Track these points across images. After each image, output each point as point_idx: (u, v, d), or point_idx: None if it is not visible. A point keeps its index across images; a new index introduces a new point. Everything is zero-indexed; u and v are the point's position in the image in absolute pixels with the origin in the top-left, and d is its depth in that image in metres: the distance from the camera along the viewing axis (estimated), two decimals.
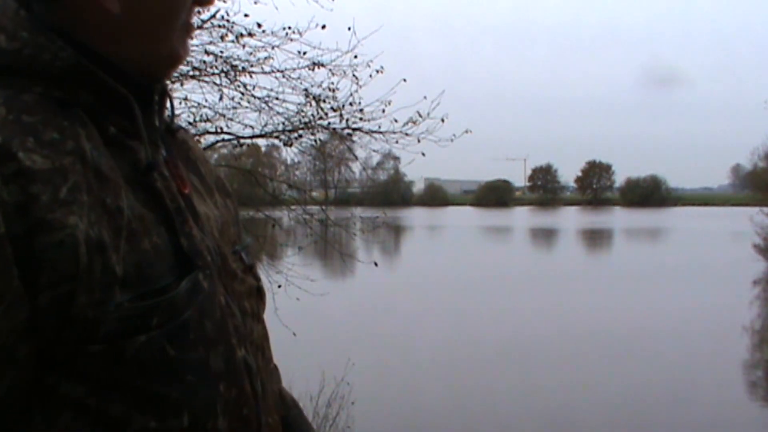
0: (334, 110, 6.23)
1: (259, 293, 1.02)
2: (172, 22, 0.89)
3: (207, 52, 6.01)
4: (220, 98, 6.21)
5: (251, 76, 6.15)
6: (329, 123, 6.38)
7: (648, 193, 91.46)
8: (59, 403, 0.78)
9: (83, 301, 0.76)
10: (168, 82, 1.03)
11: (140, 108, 0.89)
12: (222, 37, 5.88)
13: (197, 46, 6.05)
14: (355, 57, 5.91)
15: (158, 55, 0.90)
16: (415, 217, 62.38)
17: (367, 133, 6.38)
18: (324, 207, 7.68)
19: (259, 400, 0.93)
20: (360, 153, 7.78)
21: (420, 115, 6.13)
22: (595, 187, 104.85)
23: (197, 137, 6.54)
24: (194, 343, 0.84)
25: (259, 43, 5.92)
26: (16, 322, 0.73)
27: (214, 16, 5.77)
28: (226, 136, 6.54)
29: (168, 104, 0.97)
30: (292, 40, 5.84)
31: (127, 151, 0.86)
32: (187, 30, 0.93)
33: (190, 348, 0.83)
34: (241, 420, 0.89)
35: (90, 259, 0.76)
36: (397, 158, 70.28)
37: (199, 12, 5.92)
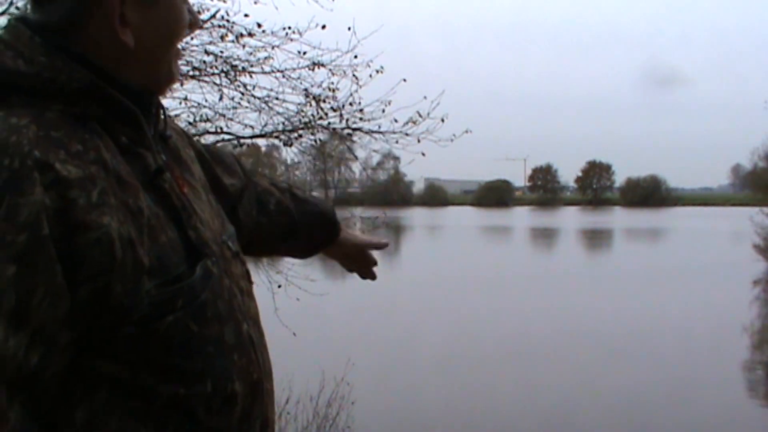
0: (334, 110, 6.23)
1: (248, 275, 1.16)
2: (171, 49, 1.04)
3: (207, 52, 6.00)
4: (220, 98, 6.20)
5: (251, 76, 6.14)
6: (329, 123, 6.37)
7: (648, 193, 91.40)
8: (97, 380, 0.91)
9: (119, 291, 0.89)
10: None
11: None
12: (222, 37, 5.87)
13: (197, 46, 6.05)
14: (355, 57, 5.91)
15: (159, 76, 1.04)
16: (415, 217, 62.36)
17: (367, 133, 6.37)
18: None
19: (261, 366, 1.07)
20: (360, 153, 7.79)
21: (420, 115, 6.12)
22: (595, 187, 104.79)
23: (197, 137, 6.54)
24: (211, 320, 0.98)
25: (259, 43, 5.92)
26: (59, 312, 0.85)
27: (214, 16, 5.77)
28: (226, 136, 6.53)
29: (162, 115, 1.10)
30: (292, 40, 5.84)
31: (138, 158, 0.99)
32: (178, 54, 1.07)
33: (208, 324, 0.98)
34: (251, 384, 1.04)
35: (124, 253, 0.89)
36: (397, 158, 70.32)
37: (194, 12, 5.92)
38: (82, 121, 0.93)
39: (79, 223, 0.85)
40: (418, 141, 6.23)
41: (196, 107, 6.31)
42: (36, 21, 0.96)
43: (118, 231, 0.88)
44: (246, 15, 5.76)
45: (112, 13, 0.96)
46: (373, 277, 1.65)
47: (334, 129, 6.51)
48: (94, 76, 0.95)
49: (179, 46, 1.07)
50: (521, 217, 68.18)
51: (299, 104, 6.30)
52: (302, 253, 1.58)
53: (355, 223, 8.95)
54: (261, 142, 7.33)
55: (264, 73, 6.12)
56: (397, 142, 6.31)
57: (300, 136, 6.54)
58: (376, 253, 1.65)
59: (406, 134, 6.24)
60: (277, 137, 6.54)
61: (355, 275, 1.67)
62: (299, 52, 5.91)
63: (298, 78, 6.11)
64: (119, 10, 0.96)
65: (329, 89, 6.16)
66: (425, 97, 6.08)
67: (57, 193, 0.85)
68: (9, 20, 0.99)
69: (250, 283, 1.15)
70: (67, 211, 0.85)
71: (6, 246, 0.82)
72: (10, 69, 0.92)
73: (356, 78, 6.02)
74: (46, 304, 0.83)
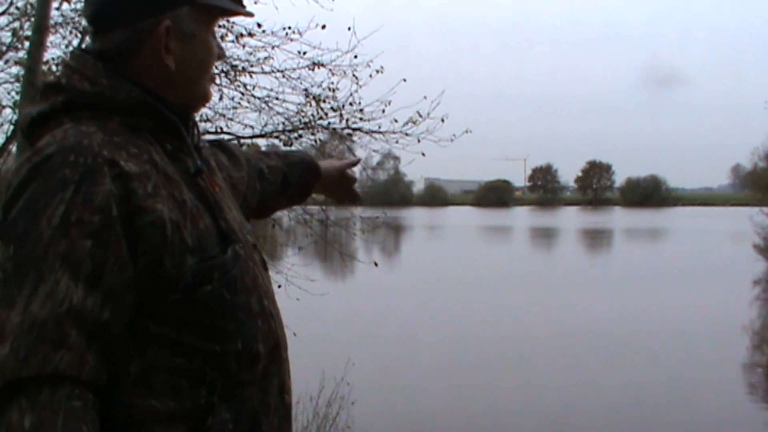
0: (334, 110, 6.22)
1: (264, 263, 1.36)
2: (206, 73, 1.28)
3: None
4: (220, 98, 6.20)
5: (251, 76, 6.15)
6: (329, 123, 6.37)
7: (648, 193, 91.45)
8: (148, 339, 1.11)
9: (168, 263, 1.11)
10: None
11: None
12: (222, 37, 5.87)
13: None
14: (355, 57, 5.90)
15: (195, 96, 1.28)
16: (415, 217, 62.38)
17: (367, 133, 6.36)
18: (324, 207, 7.66)
19: (279, 336, 1.29)
20: (360, 153, 7.76)
21: (420, 115, 6.11)
22: (595, 187, 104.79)
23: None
24: (240, 290, 1.19)
25: (259, 43, 5.93)
26: (125, 277, 1.07)
27: None
28: (226, 136, 6.53)
29: (196, 129, 1.32)
30: (292, 40, 5.84)
31: (180, 162, 1.21)
32: (212, 79, 1.32)
33: (239, 294, 1.19)
34: (271, 348, 1.24)
35: (173, 233, 1.11)
36: (397, 158, 70.15)
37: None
38: (136, 131, 1.17)
39: (139, 207, 1.08)
40: (418, 141, 6.22)
41: None
42: (94, 49, 1.21)
43: (168, 216, 1.11)
44: None
45: (159, 43, 1.19)
46: (357, 196, 1.94)
47: (334, 129, 6.50)
48: (147, 94, 1.18)
49: (212, 72, 1.31)
50: (521, 217, 68.19)
51: (299, 104, 6.30)
52: (298, 198, 1.85)
53: (355, 222, 8.95)
54: (261, 142, 7.31)
55: (264, 73, 6.12)
56: (397, 142, 6.30)
57: (300, 136, 6.53)
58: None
59: (406, 134, 6.23)
60: (277, 137, 6.53)
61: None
62: (299, 52, 5.91)
63: (298, 78, 6.11)
64: (165, 41, 1.20)
65: (329, 89, 6.15)
66: (425, 97, 6.06)
67: (122, 184, 1.08)
68: (73, 50, 1.27)
69: (266, 270, 1.37)
70: (130, 198, 1.08)
71: (84, 224, 1.04)
72: (78, 89, 1.17)
73: (356, 78, 6.01)
74: (116, 271, 1.06)
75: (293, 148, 6.53)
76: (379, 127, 6.26)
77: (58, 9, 5.77)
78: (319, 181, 1.80)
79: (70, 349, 1.01)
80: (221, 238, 1.20)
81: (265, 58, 6.00)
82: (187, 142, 1.24)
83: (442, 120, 6.11)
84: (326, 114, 6.26)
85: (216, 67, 6.53)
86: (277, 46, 5.90)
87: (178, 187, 1.16)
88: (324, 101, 6.20)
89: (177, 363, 1.12)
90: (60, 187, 1.05)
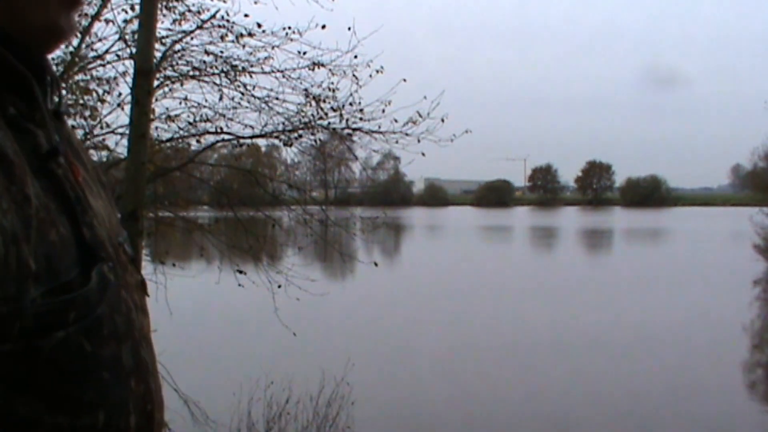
0: (334, 110, 6.23)
1: (142, 286, 0.96)
2: None
3: (207, 52, 6.02)
4: (220, 98, 6.22)
5: (251, 76, 6.16)
6: (329, 123, 6.38)
7: (648, 193, 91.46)
8: None
9: None
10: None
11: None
12: (222, 37, 5.89)
13: (197, 46, 6.06)
14: (355, 57, 5.92)
15: (37, 26, 0.80)
16: (415, 217, 62.34)
17: (367, 133, 6.37)
18: (324, 207, 7.66)
19: (154, 395, 0.88)
20: (360, 153, 7.78)
21: (420, 115, 6.13)
22: (595, 187, 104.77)
23: (197, 137, 6.54)
24: (107, 338, 0.79)
25: (259, 43, 5.94)
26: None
27: (214, 16, 5.78)
28: (226, 136, 6.54)
29: (57, 86, 0.88)
30: (292, 40, 5.86)
31: (27, 135, 0.77)
32: (71, 3, 0.82)
33: (104, 343, 0.78)
34: (145, 416, 0.85)
35: (6, 251, 0.68)
36: (397, 158, 70.43)
37: (194, 12, 5.92)
38: None
39: None
40: (418, 141, 6.23)
41: (196, 107, 6.32)
42: None
43: (1, 224, 0.68)
44: (246, 15, 5.78)
45: None
46: None
47: (334, 129, 6.51)
48: None
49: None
50: (521, 217, 68.15)
51: (299, 104, 6.32)
52: None
53: (355, 222, 8.96)
54: (261, 142, 7.34)
55: (264, 73, 6.13)
56: (397, 142, 6.32)
57: (300, 136, 6.55)
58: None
59: (406, 134, 6.24)
60: (277, 137, 6.55)
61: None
62: (299, 52, 5.93)
63: (298, 78, 6.13)
64: None
65: (329, 89, 6.17)
66: (425, 97, 6.08)
67: None
68: None
69: (144, 295, 0.97)
70: None
71: None
72: None
73: (356, 78, 6.03)
74: None
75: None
76: (379, 127, 6.28)
77: None
78: None
79: None
80: (83, 255, 0.78)
81: (265, 58, 6.02)
82: (40, 105, 0.80)
83: (442, 120, 6.13)
84: (326, 114, 6.28)
85: (216, 67, 6.56)
86: (277, 46, 5.91)
87: (21, 175, 0.72)
88: (324, 101, 6.21)
89: None
90: None
